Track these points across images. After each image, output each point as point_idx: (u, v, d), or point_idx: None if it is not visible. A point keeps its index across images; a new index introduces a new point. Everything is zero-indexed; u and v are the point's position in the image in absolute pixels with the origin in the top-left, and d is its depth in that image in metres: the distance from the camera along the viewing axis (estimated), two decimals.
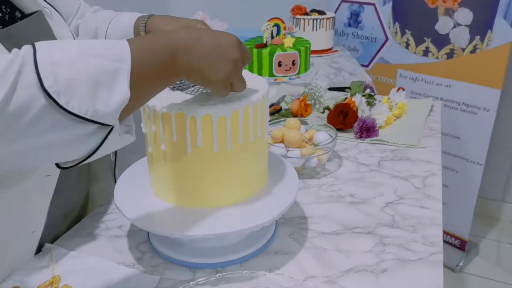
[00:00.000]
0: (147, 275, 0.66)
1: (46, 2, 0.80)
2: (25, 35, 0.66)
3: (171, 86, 0.67)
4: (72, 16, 0.94)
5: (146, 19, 0.86)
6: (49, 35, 0.73)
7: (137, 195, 0.70)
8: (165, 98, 0.63)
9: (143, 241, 0.74)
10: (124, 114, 0.50)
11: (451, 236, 1.94)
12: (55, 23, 0.76)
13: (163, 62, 0.52)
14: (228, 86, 0.60)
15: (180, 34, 0.55)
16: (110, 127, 0.49)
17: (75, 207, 0.83)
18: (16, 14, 0.69)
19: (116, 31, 0.89)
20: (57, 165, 0.53)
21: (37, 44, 0.45)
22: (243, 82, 0.62)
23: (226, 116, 0.62)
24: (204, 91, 0.66)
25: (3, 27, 0.64)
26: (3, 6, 0.67)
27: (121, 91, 0.47)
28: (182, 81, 0.67)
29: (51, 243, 0.74)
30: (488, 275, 1.91)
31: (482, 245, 2.07)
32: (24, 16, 0.70)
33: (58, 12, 0.82)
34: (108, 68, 0.47)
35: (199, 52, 0.55)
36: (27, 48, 0.45)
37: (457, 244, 1.94)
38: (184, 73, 0.55)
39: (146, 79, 0.51)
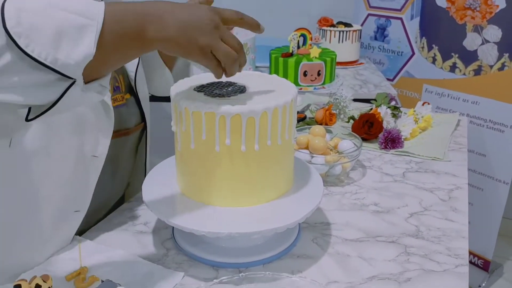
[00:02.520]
0: (171, 271, 0.66)
1: None
2: None
3: (211, 94, 0.66)
4: None
5: None
6: None
7: (164, 193, 0.71)
8: (197, 99, 0.64)
9: (168, 238, 0.75)
10: (91, 72, 0.51)
11: (474, 255, 1.90)
12: None
13: (134, 29, 0.52)
14: (209, 55, 0.57)
15: (155, 4, 0.55)
16: (72, 81, 0.49)
17: (115, 196, 0.87)
18: None
19: None
20: (26, 119, 0.53)
21: None
22: (227, 49, 0.57)
23: (255, 116, 0.63)
24: (237, 95, 0.66)
25: None
26: None
27: (86, 46, 0.48)
28: (224, 90, 0.67)
29: (87, 230, 0.77)
30: None
31: (506, 266, 2.01)
32: None
33: None
34: (76, 22, 0.48)
35: (174, 22, 0.54)
36: None
37: (480, 264, 1.89)
38: (158, 43, 0.55)
39: (115, 41, 0.51)
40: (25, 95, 0.50)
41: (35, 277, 0.59)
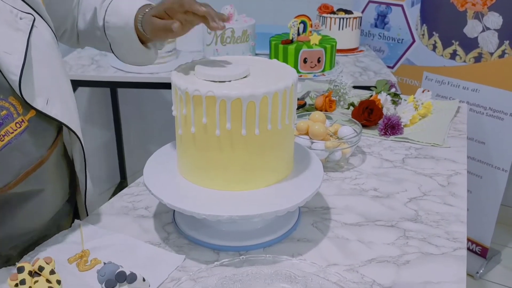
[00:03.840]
0: (172, 254, 0.67)
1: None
2: None
3: (212, 78, 0.66)
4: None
5: (142, 16, 0.76)
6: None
7: (165, 177, 0.72)
8: (198, 83, 0.65)
9: (168, 222, 0.76)
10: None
11: (472, 242, 1.91)
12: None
13: None
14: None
15: None
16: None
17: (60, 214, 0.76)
18: None
19: (116, 18, 0.79)
20: None
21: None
22: None
23: (256, 100, 0.63)
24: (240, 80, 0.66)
25: None
26: None
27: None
28: (225, 74, 0.66)
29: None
30: (508, 283, 1.87)
31: (503, 253, 2.03)
32: None
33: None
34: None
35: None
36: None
37: (478, 251, 1.91)
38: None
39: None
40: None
41: (37, 259, 0.60)
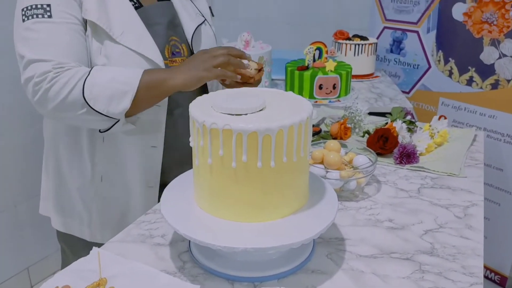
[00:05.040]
0: (188, 284, 0.68)
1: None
2: (154, 16, 1.03)
3: (229, 112, 0.68)
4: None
5: None
6: (175, 19, 1.08)
7: (182, 206, 0.73)
8: (215, 116, 0.66)
9: (184, 251, 0.77)
10: (131, 114, 0.93)
11: (491, 271, 1.87)
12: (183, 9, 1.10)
13: (159, 87, 0.92)
14: (213, 70, 0.93)
15: (173, 68, 0.95)
16: (116, 120, 0.91)
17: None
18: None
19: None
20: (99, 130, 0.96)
21: (93, 69, 0.90)
22: (217, 54, 0.94)
23: (272, 134, 0.64)
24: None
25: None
26: None
27: (124, 104, 0.89)
28: (241, 107, 0.68)
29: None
30: None
31: None
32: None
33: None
34: (122, 89, 0.89)
35: (181, 72, 0.92)
36: (86, 70, 0.89)
37: (497, 280, 1.86)
38: (173, 88, 0.93)
39: (145, 97, 0.92)
40: (93, 125, 0.95)
41: (57, 287, 0.61)
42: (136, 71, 0.90)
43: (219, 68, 0.93)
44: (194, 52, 1.08)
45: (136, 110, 0.92)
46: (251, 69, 0.99)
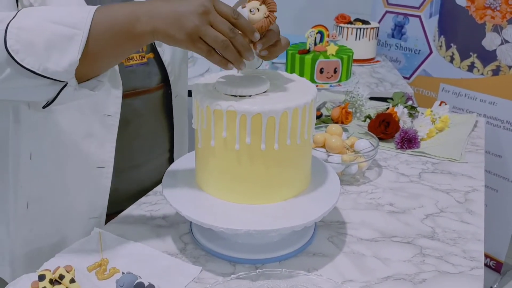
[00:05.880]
0: (189, 265, 0.68)
1: None
2: None
3: (232, 93, 0.66)
4: None
5: None
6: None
7: (184, 188, 0.73)
8: (219, 97, 0.65)
9: (185, 233, 0.76)
10: (87, 72, 0.61)
11: (487, 257, 1.89)
12: None
13: (124, 28, 0.59)
14: (198, 41, 0.59)
15: (143, 3, 0.60)
16: (63, 83, 0.59)
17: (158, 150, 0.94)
18: None
19: None
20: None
21: (21, 10, 0.58)
22: (214, 33, 0.58)
23: (276, 116, 0.63)
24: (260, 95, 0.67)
25: None
26: None
27: (71, 54, 0.57)
28: (245, 89, 0.66)
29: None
30: None
31: None
32: None
33: None
34: (64, 33, 0.57)
35: (161, 14, 0.58)
36: (12, 13, 0.57)
37: (493, 266, 1.88)
38: (148, 36, 0.60)
39: (106, 43, 0.59)
40: (28, 96, 0.64)
41: (58, 267, 0.61)
42: (84, 8, 0.59)
43: (207, 47, 0.60)
44: (159, 49, 0.86)
45: (91, 67, 0.61)
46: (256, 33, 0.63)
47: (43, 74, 0.57)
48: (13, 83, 0.59)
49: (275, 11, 0.63)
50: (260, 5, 0.63)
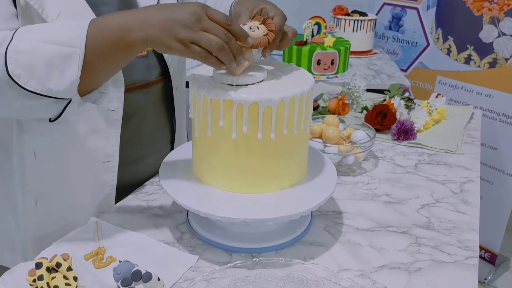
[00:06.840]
0: (186, 254, 0.68)
1: None
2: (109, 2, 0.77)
3: (229, 82, 0.66)
4: None
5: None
6: (133, 4, 0.81)
7: (181, 177, 0.73)
8: (216, 86, 0.65)
9: (182, 222, 0.77)
10: (87, 87, 0.63)
11: (481, 248, 1.90)
12: None
13: (117, 39, 0.60)
14: (190, 47, 0.59)
15: (136, 11, 0.62)
16: (67, 100, 0.62)
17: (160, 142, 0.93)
18: None
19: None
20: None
21: (17, 31, 0.59)
22: (208, 36, 0.59)
23: (273, 105, 0.63)
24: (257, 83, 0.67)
25: None
26: None
27: (71, 73, 0.59)
28: (242, 78, 0.66)
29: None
30: None
31: None
32: None
33: None
34: (61, 53, 0.59)
35: (153, 22, 0.59)
36: (9, 35, 0.59)
37: (487, 257, 1.90)
38: (141, 44, 0.60)
39: (102, 56, 0.61)
40: (33, 114, 0.66)
41: (55, 255, 0.61)
42: (77, 23, 0.60)
43: (202, 50, 0.60)
44: None
45: (91, 80, 0.63)
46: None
47: (46, 94, 0.60)
48: (17, 103, 0.61)
49: (274, 31, 0.66)
50: (260, 24, 0.66)
